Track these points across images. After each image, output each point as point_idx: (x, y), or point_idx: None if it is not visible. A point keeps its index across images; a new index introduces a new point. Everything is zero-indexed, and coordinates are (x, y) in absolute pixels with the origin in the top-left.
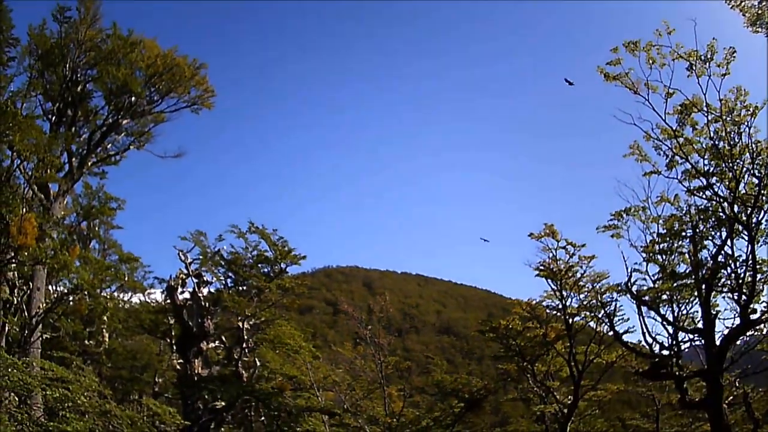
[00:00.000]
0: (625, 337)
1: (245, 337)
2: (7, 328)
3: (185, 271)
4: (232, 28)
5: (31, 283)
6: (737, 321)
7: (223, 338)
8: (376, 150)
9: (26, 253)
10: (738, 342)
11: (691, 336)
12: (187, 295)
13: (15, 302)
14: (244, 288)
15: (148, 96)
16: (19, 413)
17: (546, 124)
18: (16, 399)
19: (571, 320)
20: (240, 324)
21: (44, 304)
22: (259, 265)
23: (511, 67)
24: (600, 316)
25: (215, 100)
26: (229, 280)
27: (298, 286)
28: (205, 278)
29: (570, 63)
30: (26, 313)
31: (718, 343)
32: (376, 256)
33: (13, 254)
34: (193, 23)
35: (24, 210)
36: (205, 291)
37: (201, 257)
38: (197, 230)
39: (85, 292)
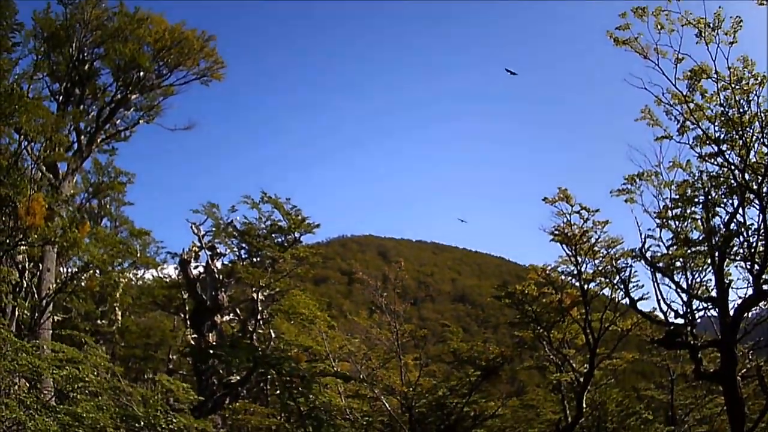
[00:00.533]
0: (639, 305)
1: (260, 308)
2: (17, 312)
3: (198, 244)
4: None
5: (41, 265)
6: (750, 291)
7: (238, 311)
8: (388, 118)
9: (35, 234)
10: (751, 313)
11: (705, 305)
12: (200, 269)
13: (25, 285)
14: (258, 259)
15: (156, 70)
16: (29, 398)
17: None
18: (26, 384)
19: (586, 286)
20: (254, 295)
21: (54, 285)
22: (273, 235)
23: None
24: (615, 282)
25: (225, 71)
26: (242, 252)
27: (312, 256)
28: (218, 250)
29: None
30: (36, 296)
31: (731, 313)
32: (390, 225)
33: (21, 236)
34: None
35: (32, 191)
36: (218, 263)
37: (214, 229)
38: (209, 202)
39: (96, 269)
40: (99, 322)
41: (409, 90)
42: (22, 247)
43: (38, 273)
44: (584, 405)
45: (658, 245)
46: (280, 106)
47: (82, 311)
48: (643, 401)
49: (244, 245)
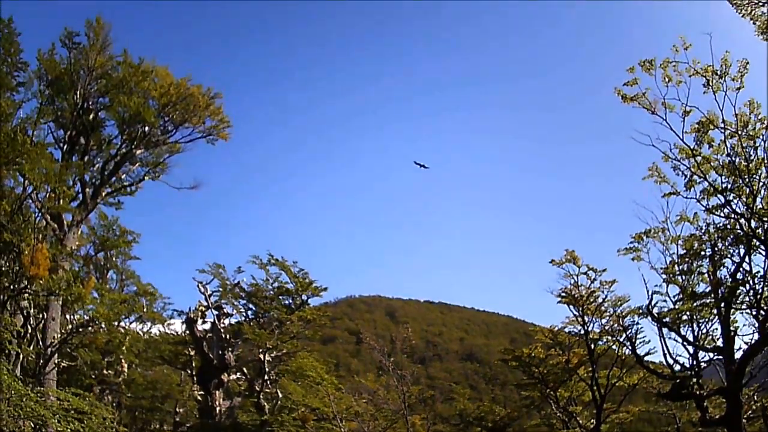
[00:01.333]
0: (646, 359)
1: (267, 369)
2: (21, 357)
3: (205, 303)
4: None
5: (45, 313)
6: (756, 336)
7: (245, 370)
8: (392, 178)
9: (39, 283)
10: (757, 357)
11: (711, 354)
12: (207, 327)
13: (29, 331)
14: (265, 320)
15: (162, 126)
16: None
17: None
18: (31, 425)
19: (593, 345)
20: (261, 356)
21: (59, 334)
22: (280, 297)
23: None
24: (621, 339)
25: (231, 130)
26: (249, 312)
27: (320, 318)
28: (225, 310)
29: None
30: (41, 343)
31: (737, 359)
32: (398, 285)
33: (26, 283)
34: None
35: (36, 240)
36: (225, 323)
37: (221, 289)
38: (215, 263)
39: (102, 325)
40: (105, 372)
41: (412, 141)
42: (26, 294)
43: (43, 321)
44: None
45: (665, 300)
46: (288, 163)
47: (87, 360)
48: None
49: (251, 306)
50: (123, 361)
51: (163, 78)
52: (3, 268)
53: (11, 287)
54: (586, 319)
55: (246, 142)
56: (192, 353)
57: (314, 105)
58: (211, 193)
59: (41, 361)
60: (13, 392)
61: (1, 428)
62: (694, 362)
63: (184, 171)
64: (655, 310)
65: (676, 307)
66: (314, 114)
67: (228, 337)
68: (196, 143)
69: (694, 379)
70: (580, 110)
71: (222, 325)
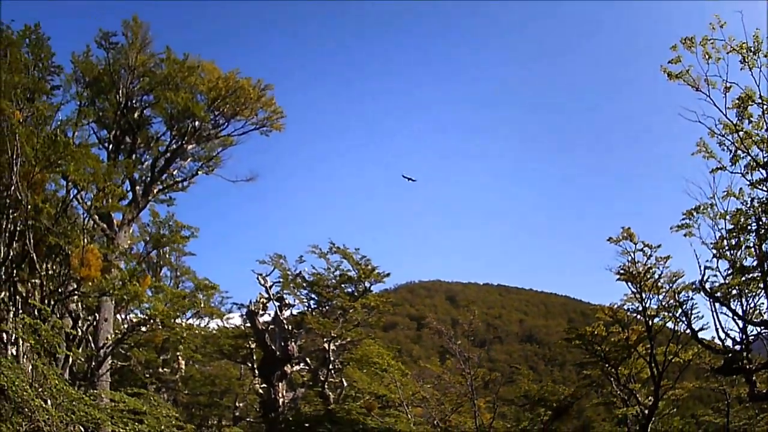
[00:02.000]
0: (699, 335)
1: (331, 358)
2: (71, 360)
3: (266, 295)
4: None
5: (97, 315)
6: None
7: (308, 360)
8: (450, 159)
9: (90, 285)
10: None
11: (760, 329)
12: (268, 319)
13: (79, 334)
14: (328, 308)
15: (212, 120)
16: None
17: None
18: (81, 429)
19: (651, 322)
20: (326, 345)
21: (113, 335)
22: (343, 285)
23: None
24: (677, 315)
25: (285, 120)
26: (312, 302)
27: (383, 304)
28: (287, 301)
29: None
30: (92, 345)
31: None
32: (457, 269)
33: (75, 286)
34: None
35: (85, 241)
36: (287, 314)
37: (281, 280)
38: (276, 253)
39: (160, 322)
40: (161, 370)
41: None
42: (75, 297)
43: (95, 322)
44: None
45: (716, 275)
46: (344, 152)
47: (142, 359)
48: (702, 426)
49: (313, 295)
50: (180, 358)
51: (210, 72)
52: (49, 272)
53: (59, 290)
54: (643, 295)
55: (299, 132)
56: (253, 346)
57: (370, 92)
58: (266, 184)
59: (93, 364)
60: (64, 396)
61: None
62: (744, 336)
63: (241, 163)
64: (707, 285)
65: (727, 281)
66: (364, 101)
67: (290, 327)
68: (249, 135)
69: (744, 354)
70: (627, 89)
71: (284, 316)
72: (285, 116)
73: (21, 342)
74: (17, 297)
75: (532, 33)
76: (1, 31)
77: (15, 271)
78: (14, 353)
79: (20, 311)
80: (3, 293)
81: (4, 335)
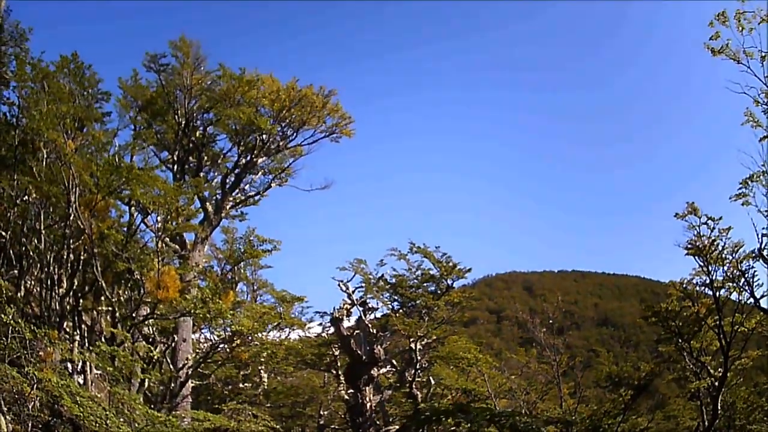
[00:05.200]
0: (761, 303)
1: (417, 357)
2: (146, 384)
3: (348, 301)
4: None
5: (175, 336)
6: None
7: (394, 362)
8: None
9: (162, 307)
10: None
11: None
12: (352, 324)
13: (155, 357)
14: (412, 309)
15: (280, 131)
16: None
17: None
18: None
19: (718, 294)
20: (412, 345)
21: (192, 355)
22: (425, 284)
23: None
24: (741, 284)
25: (355, 126)
26: (395, 304)
27: (465, 300)
28: (370, 305)
29: None
30: (171, 366)
31: None
32: (532, 258)
33: (150, 310)
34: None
35: (159, 263)
36: (371, 317)
37: (364, 285)
38: (356, 258)
39: (245, 338)
40: (241, 385)
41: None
42: (151, 320)
43: (173, 344)
44: (719, 408)
45: None
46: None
47: (222, 376)
48: (764, 395)
49: (396, 297)
50: (262, 371)
51: (270, 85)
52: (121, 298)
53: (132, 315)
54: (710, 268)
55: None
56: (336, 353)
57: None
58: (340, 190)
59: (173, 385)
60: (148, 420)
61: None
62: None
63: (314, 172)
64: (765, 252)
65: None
66: (441, 99)
67: (375, 331)
68: (320, 144)
69: None
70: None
71: (368, 320)
72: (354, 121)
73: (89, 370)
74: (82, 327)
75: None
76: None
77: (80, 301)
78: (81, 382)
79: (86, 340)
80: (67, 324)
81: (69, 366)
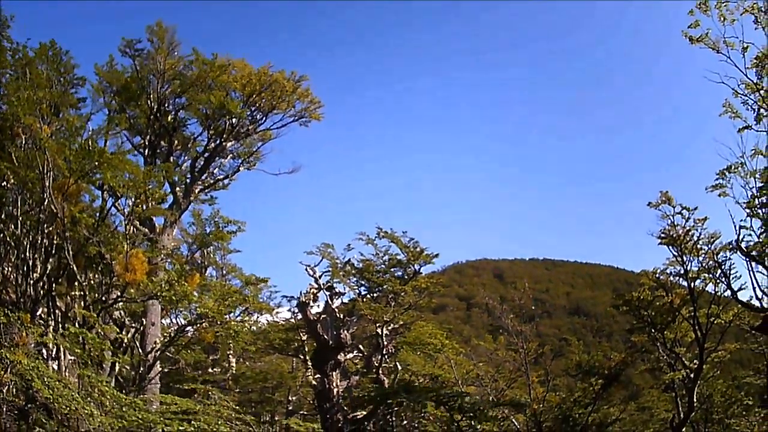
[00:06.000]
0: (738, 295)
1: (384, 342)
2: (117, 368)
3: (316, 285)
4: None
5: (144, 319)
6: None
7: (361, 347)
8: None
9: (132, 290)
10: None
11: None
12: (319, 309)
13: (126, 341)
14: (379, 294)
15: (249, 116)
16: None
17: None
18: None
19: (693, 284)
20: (378, 330)
21: (161, 339)
22: (392, 269)
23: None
24: (717, 276)
25: (324, 110)
26: (362, 289)
27: (433, 285)
28: (337, 290)
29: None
30: (140, 350)
31: None
32: (503, 245)
33: (119, 293)
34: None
35: (128, 247)
36: (338, 302)
37: (331, 269)
38: (323, 243)
39: (210, 320)
40: (210, 370)
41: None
42: (120, 303)
43: (141, 328)
44: (694, 400)
45: (750, 234)
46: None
47: (191, 362)
48: (742, 389)
49: (363, 282)
50: (231, 356)
51: (242, 69)
52: (91, 282)
53: (102, 299)
54: (684, 258)
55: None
56: (304, 338)
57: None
58: (308, 175)
59: (142, 369)
60: (115, 402)
61: None
62: None
63: (283, 156)
64: (743, 245)
65: (761, 240)
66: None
67: (342, 316)
68: (289, 128)
69: None
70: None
71: (335, 305)
72: (323, 105)
73: (63, 356)
74: (56, 312)
75: None
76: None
77: (53, 286)
78: (55, 368)
79: (60, 325)
80: (41, 309)
81: (44, 351)
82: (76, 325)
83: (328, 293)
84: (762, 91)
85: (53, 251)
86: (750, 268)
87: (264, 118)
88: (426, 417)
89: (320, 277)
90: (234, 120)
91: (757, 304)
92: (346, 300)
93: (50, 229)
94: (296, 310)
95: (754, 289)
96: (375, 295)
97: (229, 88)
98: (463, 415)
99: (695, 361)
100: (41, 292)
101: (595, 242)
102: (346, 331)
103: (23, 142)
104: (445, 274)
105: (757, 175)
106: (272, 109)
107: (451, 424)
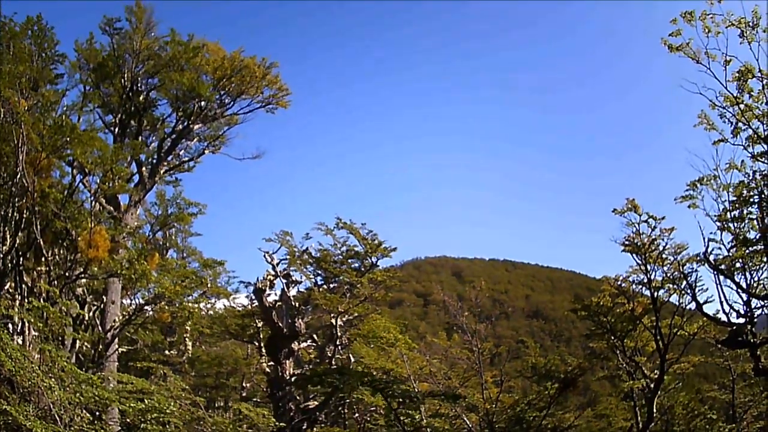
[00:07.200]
0: (704, 308)
1: (338, 333)
2: (78, 344)
3: (273, 272)
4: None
5: (104, 297)
6: None
7: (315, 337)
8: (447, 139)
9: (97, 267)
10: None
11: (763, 302)
12: (275, 297)
13: (87, 318)
14: (336, 284)
15: (218, 99)
16: (92, 429)
17: None
18: (89, 416)
19: (656, 294)
20: (333, 321)
21: (120, 317)
22: (349, 261)
23: None
24: (682, 287)
25: (292, 98)
26: (319, 278)
27: (389, 279)
28: (294, 278)
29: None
30: (100, 328)
31: None
32: (463, 245)
33: (82, 270)
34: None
35: (93, 223)
36: (294, 291)
37: (288, 257)
38: (282, 230)
39: (167, 300)
40: (167, 352)
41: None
42: (82, 280)
43: (102, 305)
44: (654, 410)
45: (720, 248)
46: (350, 132)
47: (149, 342)
48: (706, 403)
49: (320, 272)
50: (187, 339)
51: (215, 52)
52: (56, 258)
53: (65, 275)
54: (648, 267)
55: (305, 109)
56: (260, 325)
57: (379, 68)
58: (271, 162)
59: (101, 347)
60: (72, 378)
61: (60, 417)
62: (748, 309)
63: (248, 141)
64: (711, 258)
65: (730, 254)
66: (375, 77)
67: (297, 304)
68: (256, 114)
69: (749, 327)
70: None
71: (291, 293)
72: (291, 93)
73: (27, 331)
74: (23, 286)
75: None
76: (3, 24)
77: (21, 260)
78: (20, 342)
79: (26, 300)
80: (9, 283)
81: (10, 326)
82: (41, 300)
83: (284, 281)
84: (742, 106)
85: (23, 225)
86: (718, 282)
87: (232, 103)
88: (377, 411)
89: (278, 264)
90: (203, 103)
91: (723, 318)
92: (302, 289)
93: (21, 202)
94: (253, 297)
95: (721, 303)
96: (331, 285)
97: (201, 70)
98: (399, 404)
99: (656, 371)
100: (9, 266)
101: (556, 246)
102: (300, 320)
103: (1, 115)
104: (402, 269)
105: (731, 189)
106: (241, 94)
107: (389, 413)
